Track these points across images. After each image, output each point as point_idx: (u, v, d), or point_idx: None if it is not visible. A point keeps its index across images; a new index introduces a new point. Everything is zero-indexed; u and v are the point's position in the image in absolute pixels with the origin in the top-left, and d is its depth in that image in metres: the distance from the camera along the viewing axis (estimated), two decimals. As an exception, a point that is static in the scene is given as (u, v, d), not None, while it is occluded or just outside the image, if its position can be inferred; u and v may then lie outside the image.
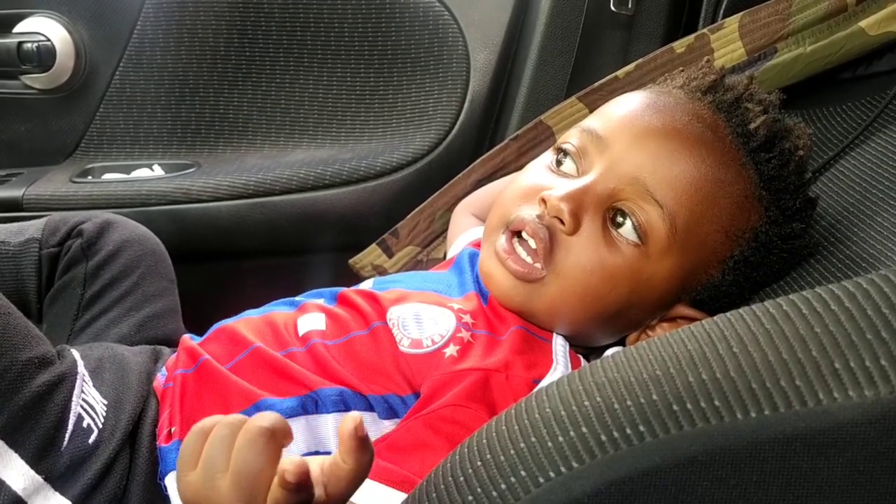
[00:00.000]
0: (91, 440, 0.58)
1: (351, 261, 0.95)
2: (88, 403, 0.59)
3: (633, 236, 0.61)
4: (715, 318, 0.40)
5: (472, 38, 1.05)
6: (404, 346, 0.61)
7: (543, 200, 0.62)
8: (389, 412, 0.59)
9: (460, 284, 0.69)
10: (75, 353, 0.63)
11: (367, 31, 1.06)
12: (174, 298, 0.82)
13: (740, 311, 0.40)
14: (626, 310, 0.63)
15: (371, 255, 0.95)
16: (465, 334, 0.61)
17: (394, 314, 0.63)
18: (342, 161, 1.04)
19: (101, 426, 0.59)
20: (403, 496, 0.52)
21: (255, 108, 1.09)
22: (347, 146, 1.07)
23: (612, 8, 0.98)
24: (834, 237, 0.65)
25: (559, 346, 0.63)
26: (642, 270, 0.61)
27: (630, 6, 0.98)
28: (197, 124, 1.09)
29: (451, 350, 0.60)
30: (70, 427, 0.57)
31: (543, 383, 0.59)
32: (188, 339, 0.66)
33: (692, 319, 0.63)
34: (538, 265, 0.62)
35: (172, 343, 0.72)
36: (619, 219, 0.61)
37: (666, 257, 0.61)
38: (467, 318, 0.63)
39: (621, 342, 0.68)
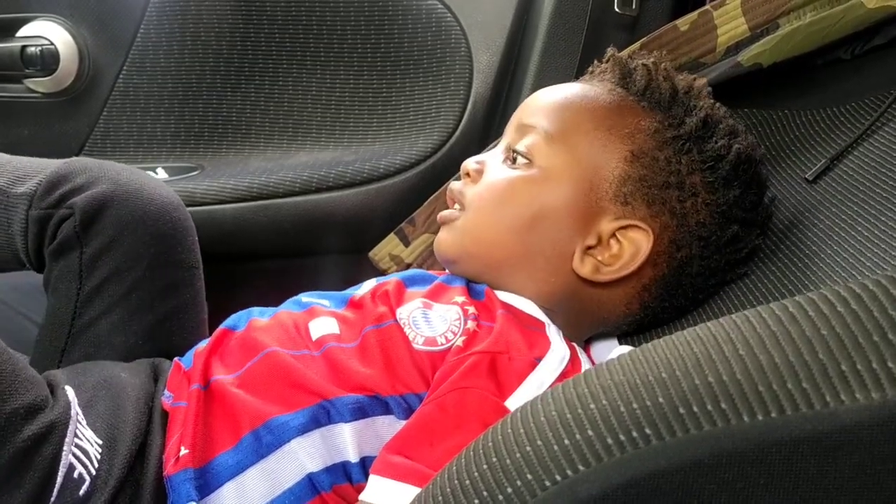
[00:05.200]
0: (82, 492, 0.54)
1: (370, 253, 0.97)
2: (82, 449, 0.55)
3: (522, 159, 0.68)
4: (720, 320, 0.40)
5: (475, 40, 1.05)
6: (418, 343, 0.62)
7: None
8: (408, 412, 0.59)
9: (454, 281, 0.70)
10: (70, 394, 0.58)
11: (370, 33, 1.07)
12: (194, 289, 0.73)
13: (746, 313, 0.40)
14: (544, 222, 0.66)
15: (388, 245, 0.96)
16: (471, 325, 0.62)
17: (403, 313, 0.64)
18: (345, 163, 1.04)
19: (94, 473, 0.55)
20: (413, 489, 0.53)
21: (258, 110, 1.09)
22: (351, 148, 1.07)
23: (616, 9, 0.98)
24: (838, 236, 0.64)
25: (553, 329, 0.64)
26: (538, 175, 0.67)
27: (634, 7, 0.98)
28: (200, 127, 1.09)
29: (459, 341, 0.61)
30: (59, 480, 0.53)
31: (545, 362, 0.60)
32: (199, 349, 0.65)
33: (635, 228, 0.65)
34: (455, 207, 0.71)
35: (190, 347, 0.67)
36: (515, 156, 0.69)
37: (556, 156, 0.67)
38: (472, 310, 0.64)
39: (618, 338, 0.69)
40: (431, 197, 0.96)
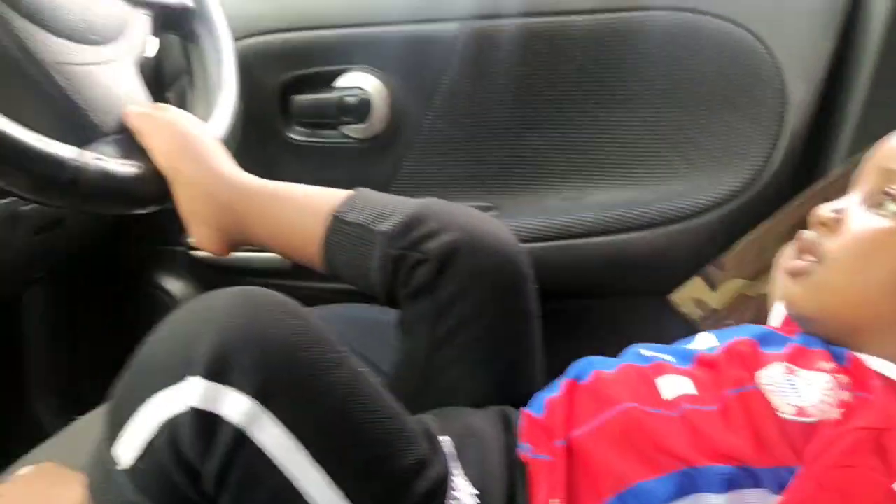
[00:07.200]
0: None
1: (671, 295, 0.94)
2: (459, 501, 0.54)
3: (893, 206, 0.62)
4: None
5: (789, 70, 0.98)
6: (787, 412, 0.58)
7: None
8: (781, 488, 0.56)
9: (812, 344, 0.64)
10: (447, 444, 0.58)
11: (672, 69, 1.03)
12: (532, 341, 0.73)
13: None
14: None
15: (692, 288, 0.93)
16: (846, 395, 0.58)
17: (763, 377, 0.60)
18: (645, 203, 1.02)
19: None
20: None
21: (553, 150, 1.10)
22: (649, 187, 1.05)
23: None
24: None
25: None
26: None
27: None
28: (497, 168, 1.12)
29: (835, 413, 0.57)
30: None
31: None
32: (552, 400, 0.65)
33: None
34: (809, 258, 0.65)
35: (531, 395, 0.67)
36: (882, 201, 0.63)
37: None
38: (844, 379, 0.59)
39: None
40: (744, 240, 0.92)
